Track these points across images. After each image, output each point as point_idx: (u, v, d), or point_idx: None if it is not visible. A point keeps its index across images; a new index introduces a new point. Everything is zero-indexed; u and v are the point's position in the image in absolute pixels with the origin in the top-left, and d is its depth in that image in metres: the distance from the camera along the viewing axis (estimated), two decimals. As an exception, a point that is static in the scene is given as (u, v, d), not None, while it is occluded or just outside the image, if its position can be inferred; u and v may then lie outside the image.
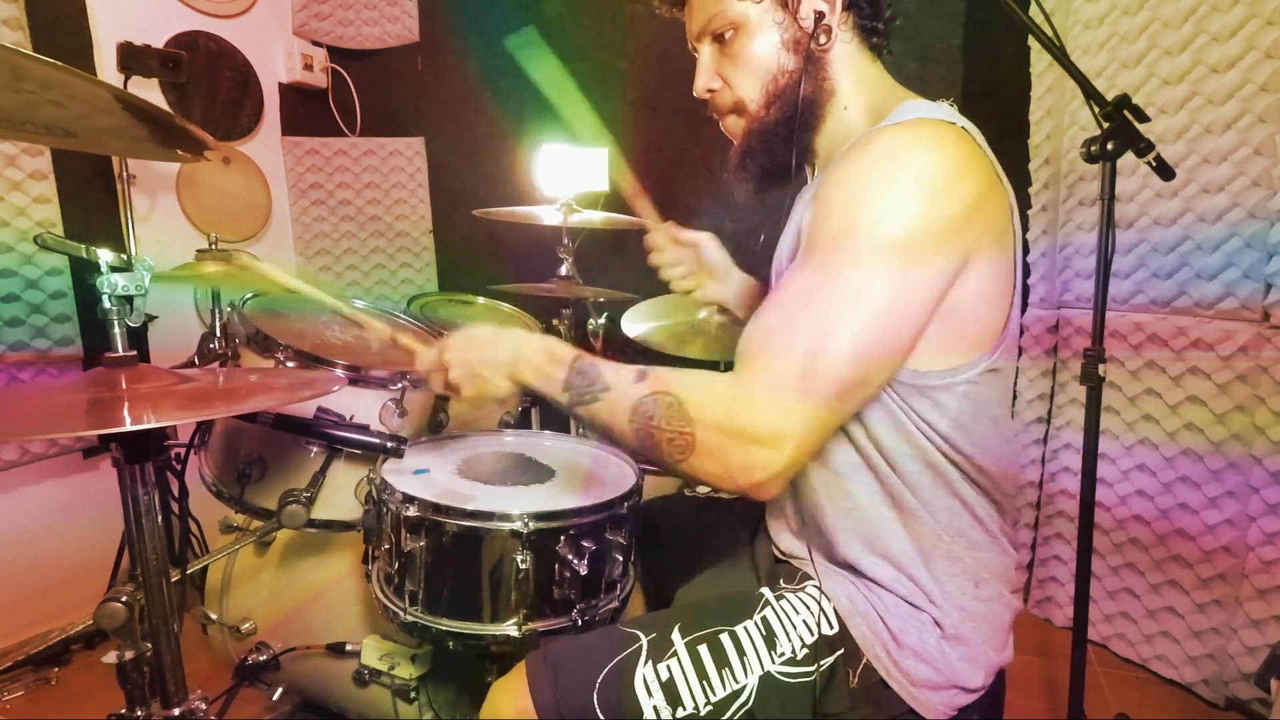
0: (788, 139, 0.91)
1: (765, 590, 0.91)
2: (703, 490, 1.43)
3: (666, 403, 0.76)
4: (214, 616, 1.46)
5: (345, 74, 2.96)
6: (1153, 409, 1.85)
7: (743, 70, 0.91)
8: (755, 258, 1.09)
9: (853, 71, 0.91)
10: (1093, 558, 1.61)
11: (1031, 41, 2.07)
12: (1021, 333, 2.13)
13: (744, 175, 0.96)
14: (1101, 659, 1.96)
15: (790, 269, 0.82)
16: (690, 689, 0.82)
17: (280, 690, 1.50)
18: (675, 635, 0.86)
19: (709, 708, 0.82)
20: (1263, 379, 1.63)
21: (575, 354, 0.85)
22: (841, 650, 0.85)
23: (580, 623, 1.04)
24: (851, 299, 0.73)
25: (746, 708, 0.82)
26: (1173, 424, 1.80)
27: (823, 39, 0.88)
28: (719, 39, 0.92)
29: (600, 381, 0.82)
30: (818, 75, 0.90)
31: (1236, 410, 1.68)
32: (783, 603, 0.88)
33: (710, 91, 0.95)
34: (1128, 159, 1.27)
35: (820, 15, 0.87)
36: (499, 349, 0.90)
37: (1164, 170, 1.28)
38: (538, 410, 1.94)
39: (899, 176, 0.75)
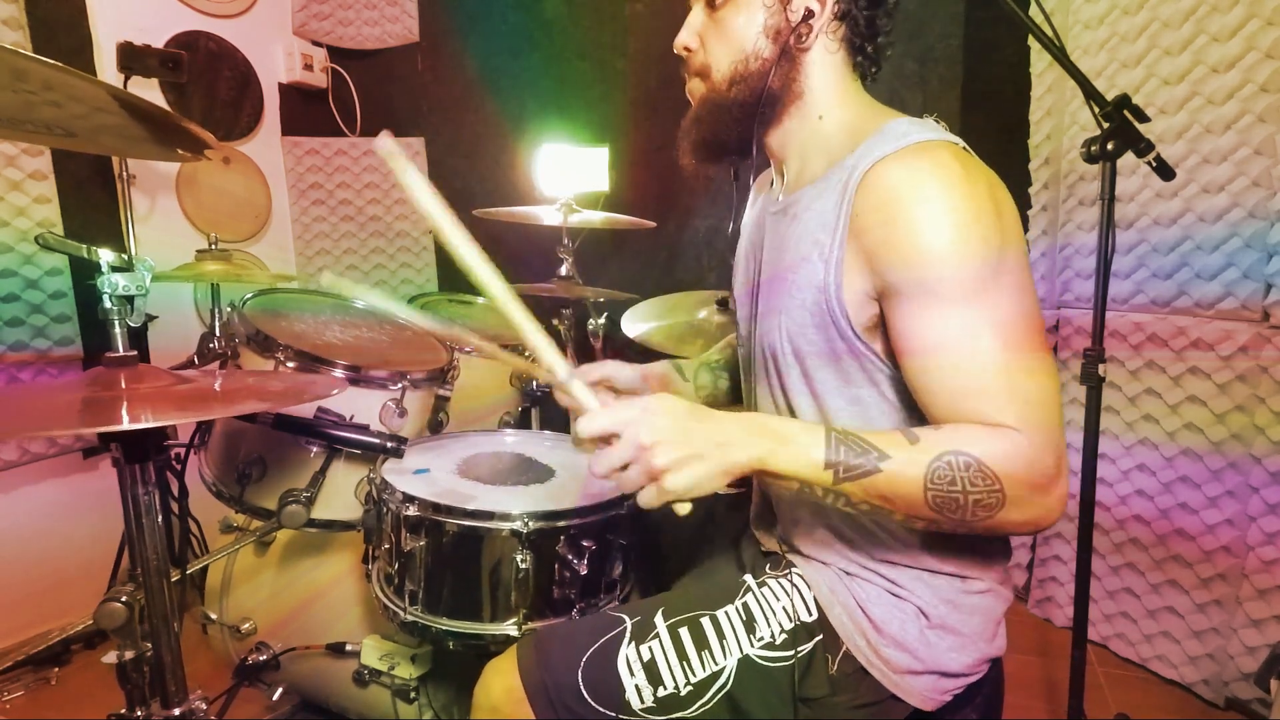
0: (739, 120, 0.91)
1: (748, 577, 0.93)
2: None
3: (964, 463, 0.71)
4: (214, 616, 1.46)
5: (345, 74, 2.96)
6: (1153, 409, 1.85)
7: (721, 40, 0.91)
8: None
9: (832, 83, 0.91)
10: (1093, 558, 1.61)
11: (1031, 41, 2.07)
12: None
13: (686, 141, 0.97)
14: (1101, 659, 1.96)
15: (928, 319, 0.76)
16: (671, 669, 0.85)
17: (280, 690, 1.50)
18: (658, 618, 0.89)
19: (689, 688, 0.84)
20: (1263, 379, 1.63)
21: (824, 425, 0.77)
22: (820, 637, 0.87)
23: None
24: (1017, 317, 0.76)
25: (725, 689, 0.85)
26: (1173, 424, 1.80)
27: (804, 37, 0.87)
28: (710, 3, 0.91)
29: (873, 449, 0.73)
30: (789, 72, 0.89)
31: (1236, 410, 1.68)
32: (764, 589, 0.91)
33: (687, 50, 0.95)
34: (1128, 159, 1.27)
35: (809, 14, 0.87)
36: (723, 426, 0.75)
37: (1164, 170, 1.28)
38: (538, 410, 1.94)
39: (970, 198, 0.76)
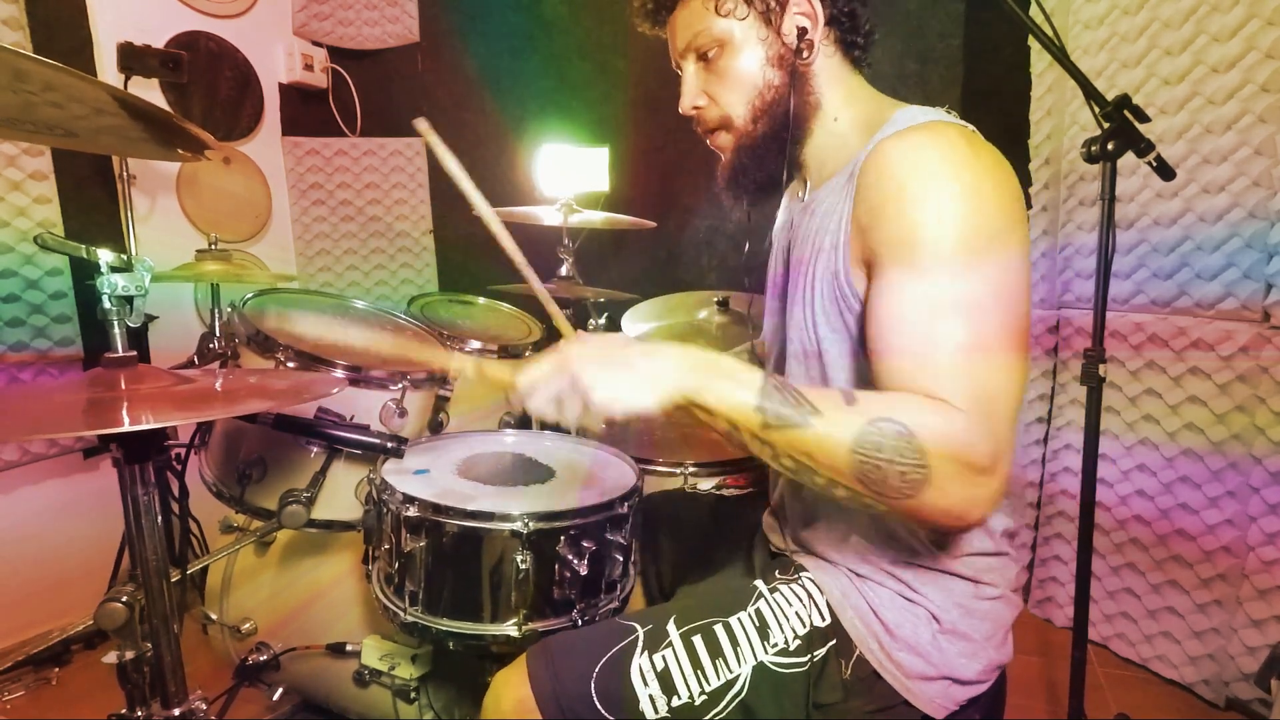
0: (779, 152, 0.92)
1: (759, 583, 0.92)
2: (705, 487, 1.43)
3: (894, 431, 0.68)
4: (214, 616, 1.46)
5: (345, 74, 2.96)
6: (1153, 409, 1.85)
7: (729, 87, 0.92)
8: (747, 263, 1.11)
9: (838, 84, 0.93)
10: (1093, 558, 1.61)
11: (1031, 41, 2.07)
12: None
13: (736, 190, 0.97)
14: (1101, 659, 1.96)
15: (900, 289, 0.76)
16: (685, 679, 0.84)
17: (280, 690, 1.50)
18: (670, 626, 0.88)
19: (704, 697, 0.84)
20: (1263, 379, 1.63)
21: (761, 371, 0.74)
22: (833, 641, 0.86)
23: (580, 623, 1.04)
24: (990, 302, 0.73)
25: (740, 698, 0.84)
26: (1173, 424, 1.80)
27: (805, 54, 0.89)
28: (703, 57, 0.93)
29: (805, 403, 0.70)
30: (803, 89, 0.91)
31: (1236, 410, 1.68)
32: (776, 595, 0.90)
33: (696, 109, 0.96)
34: (1128, 159, 1.27)
35: (803, 31, 0.89)
36: (657, 352, 0.74)
37: (1164, 170, 1.28)
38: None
39: (967, 175, 0.75)
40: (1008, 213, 0.76)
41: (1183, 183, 1.73)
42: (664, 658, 0.85)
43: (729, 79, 0.91)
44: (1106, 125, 1.25)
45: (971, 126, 0.83)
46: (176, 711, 0.94)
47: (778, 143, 0.92)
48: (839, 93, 0.93)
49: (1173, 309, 1.80)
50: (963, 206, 0.74)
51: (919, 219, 0.75)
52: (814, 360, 0.90)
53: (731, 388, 0.72)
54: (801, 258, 0.92)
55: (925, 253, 0.74)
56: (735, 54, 0.90)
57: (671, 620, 0.88)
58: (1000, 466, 0.70)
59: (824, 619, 0.87)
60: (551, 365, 0.74)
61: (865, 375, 0.83)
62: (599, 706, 0.83)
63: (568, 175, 2.21)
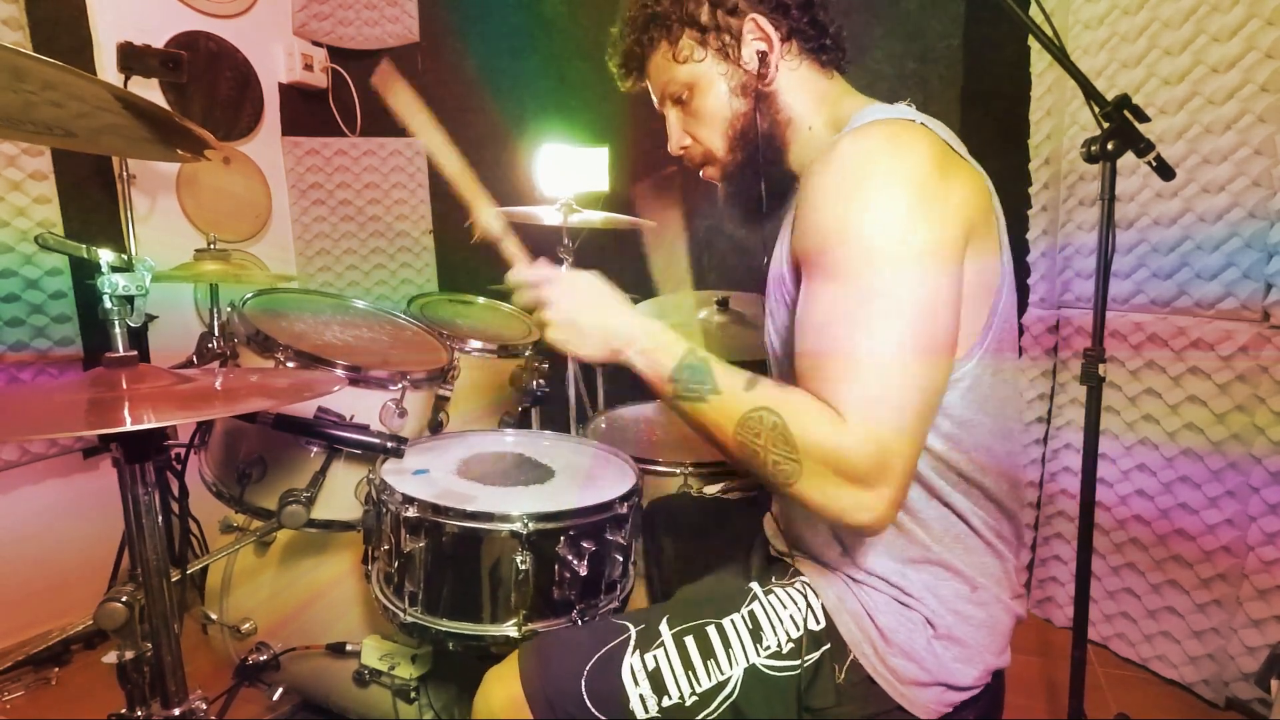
0: (758, 173, 0.96)
1: (754, 585, 0.92)
2: (708, 490, 1.43)
3: (771, 422, 0.73)
4: (214, 616, 1.46)
5: (345, 74, 2.96)
6: (1153, 409, 1.85)
7: (704, 124, 0.96)
8: (742, 262, 1.15)
9: (807, 93, 0.94)
10: (1093, 558, 1.61)
11: (1031, 41, 2.06)
12: (1021, 333, 2.13)
13: (733, 214, 1.02)
14: (1101, 659, 1.96)
15: (810, 289, 0.79)
16: (676, 679, 0.84)
17: (280, 690, 1.50)
18: (663, 626, 0.88)
19: (694, 698, 0.84)
20: (1263, 379, 1.63)
21: (687, 346, 0.82)
22: (827, 646, 0.86)
23: (580, 623, 1.04)
24: (893, 307, 0.72)
25: (731, 699, 0.84)
26: (1173, 424, 1.80)
27: (767, 76, 0.92)
28: (679, 101, 0.97)
29: (710, 381, 0.78)
30: (772, 107, 0.94)
31: (1236, 410, 1.68)
32: (770, 597, 0.90)
33: (683, 149, 1.01)
34: (1128, 159, 1.27)
35: (763, 55, 0.91)
36: (609, 315, 0.86)
37: (1164, 170, 1.28)
38: (538, 410, 1.94)
39: (878, 176, 0.75)
40: (939, 215, 0.75)
41: (1182, 183, 1.73)
42: (655, 657, 0.86)
43: (703, 117, 0.96)
44: (1106, 125, 1.25)
45: (926, 119, 0.82)
46: (176, 711, 0.94)
47: (755, 168, 0.96)
48: (809, 102, 0.94)
49: (1172, 309, 1.80)
50: (874, 213, 0.74)
51: (827, 225, 0.76)
52: (784, 360, 0.92)
53: (657, 356, 0.81)
54: (772, 264, 0.95)
55: (829, 259, 0.76)
56: (704, 94, 0.94)
57: (664, 620, 0.89)
58: (886, 478, 0.70)
59: (818, 623, 0.87)
60: (540, 281, 0.87)
61: None
62: (589, 705, 0.83)
63: (568, 175, 2.21)
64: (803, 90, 0.94)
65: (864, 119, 0.83)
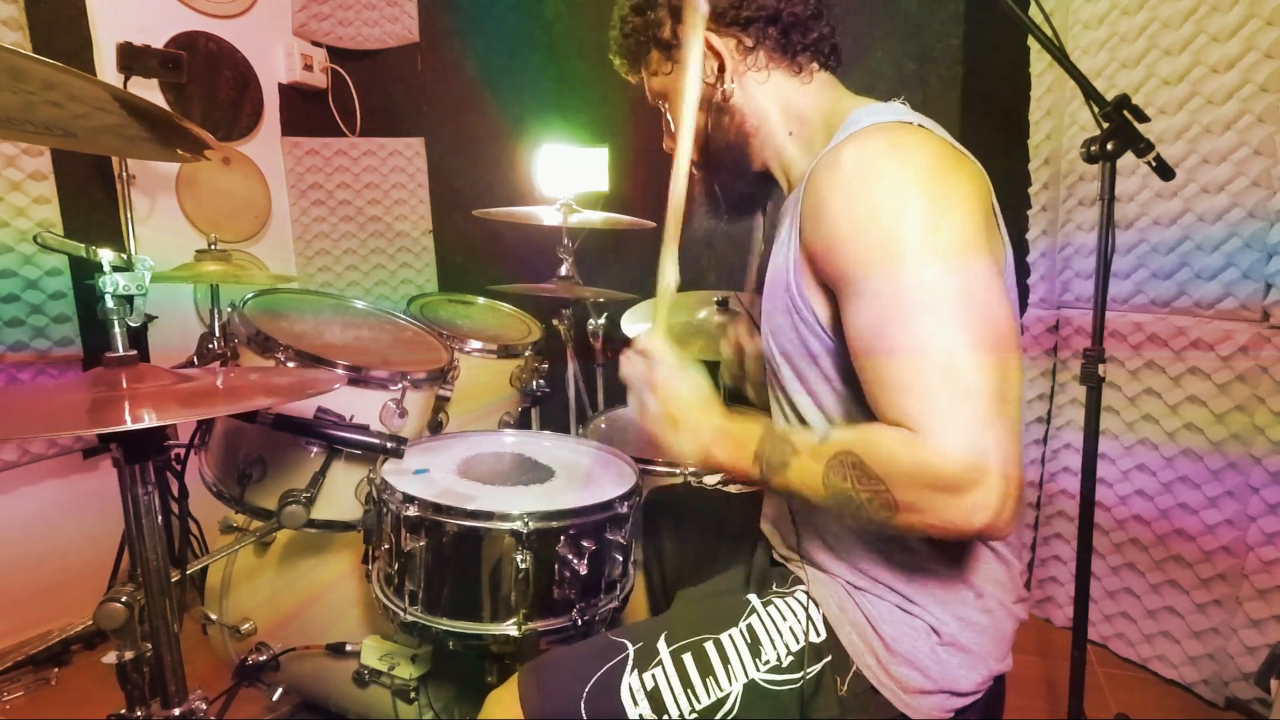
0: (728, 178, 1.00)
1: (752, 597, 0.91)
2: (709, 481, 1.43)
3: (850, 462, 0.71)
4: (214, 616, 1.46)
5: (345, 74, 2.95)
6: (1153, 409, 1.85)
7: (679, 131, 0.96)
8: (742, 261, 1.17)
9: (781, 100, 0.94)
10: (1093, 558, 1.61)
11: (1031, 41, 2.07)
12: (1021, 332, 2.13)
13: (711, 211, 1.06)
14: (1101, 659, 1.96)
15: (848, 310, 0.77)
16: (675, 697, 0.84)
17: (280, 690, 1.50)
18: (661, 644, 0.88)
19: (694, 716, 0.83)
20: (1263, 379, 1.63)
21: (764, 423, 0.84)
22: (829, 658, 0.85)
23: (580, 622, 1.04)
24: (932, 303, 0.70)
25: (732, 716, 0.83)
26: (1173, 424, 1.81)
27: (725, 92, 0.93)
28: (658, 104, 1.00)
29: (788, 445, 0.78)
30: (734, 120, 0.95)
31: (1236, 410, 1.68)
32: (769, 609, 0.89)
33: (669, 149, 1.00)
34: (1128, 159, 1.27)
35: (721, 68, 0.92)
36: (706, 416, 0.85)
37: (1164, 170, 1.28)
38: (537, 410, 1.94)
39: (888, 181, 0.74)
40: (958, 210, 0.74)
41: (1182, 183, 1.73)
42: (654, 676, 0.85)
43: (676, 123, 0.96)
44: (1106, 125, 1.25)
45: (922, 120, 0.82)
46: (176, 711, 0.94)
47: (723, 173, 1.00)
48: (785, 109, 0.94)
49: (1172, 309, 1.80)
50: (894, 217, 0.72)
51: (844, 238, 0.75)
52: (782, 364, 0.91)
53: (742, 441, 0.83)
54: (767, 268, 0.94)
55: (859, 274, 0.74)
56: (673, 104, 0.97)
57: (662, 638, 0.88)
58: (983, 474, 0.66)
59: (820, 635, 0.86)
60: (652, 363, 0.88)
61: (819, 388, 0.86)
62: None
63: (567, 175, 2.22)
64: (775, 100, 0.94)
65: (859, 122, 0.82)
